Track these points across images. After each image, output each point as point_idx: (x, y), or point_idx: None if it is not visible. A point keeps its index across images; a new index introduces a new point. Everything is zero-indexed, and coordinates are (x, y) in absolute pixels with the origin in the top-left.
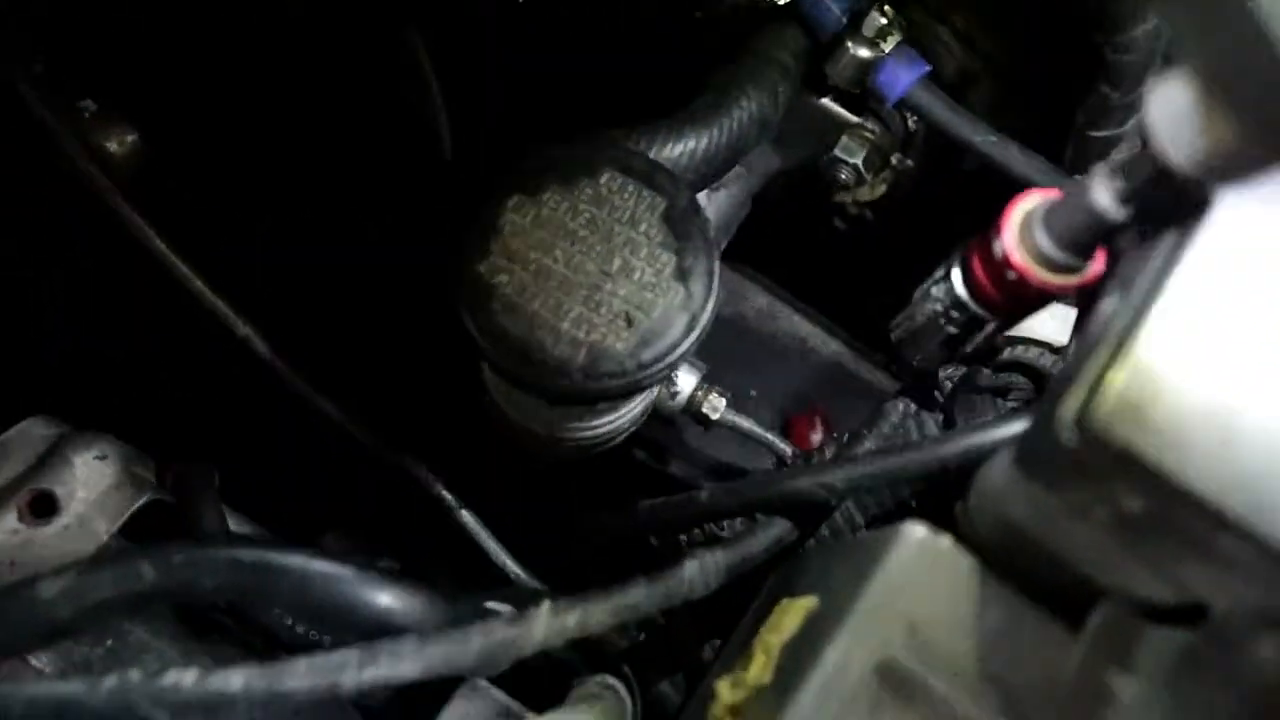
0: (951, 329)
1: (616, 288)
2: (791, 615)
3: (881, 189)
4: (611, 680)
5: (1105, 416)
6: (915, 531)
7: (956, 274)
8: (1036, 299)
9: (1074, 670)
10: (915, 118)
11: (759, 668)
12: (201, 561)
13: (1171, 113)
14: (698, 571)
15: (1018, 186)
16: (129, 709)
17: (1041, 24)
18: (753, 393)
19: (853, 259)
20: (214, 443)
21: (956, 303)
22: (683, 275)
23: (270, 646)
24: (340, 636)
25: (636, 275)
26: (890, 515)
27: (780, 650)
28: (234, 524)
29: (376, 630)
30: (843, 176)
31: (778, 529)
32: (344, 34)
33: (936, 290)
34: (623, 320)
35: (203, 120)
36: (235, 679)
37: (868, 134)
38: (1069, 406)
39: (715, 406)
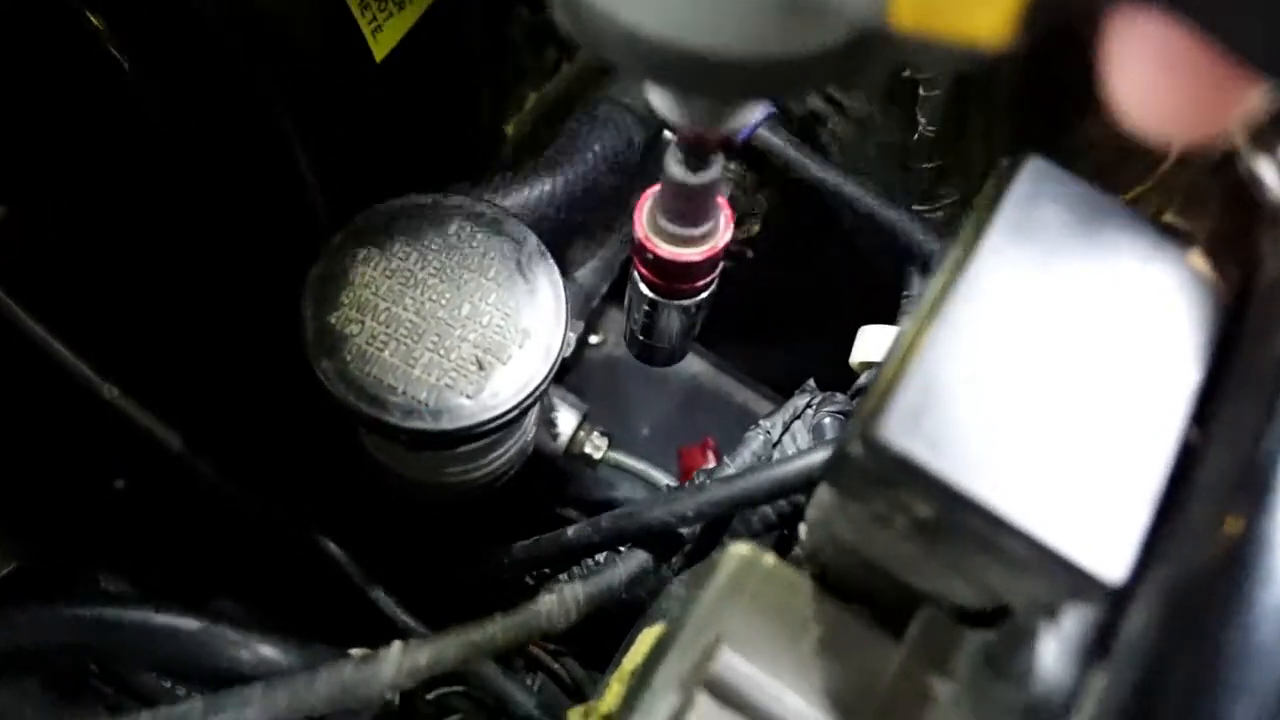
0: (644, 317)
1: (466, 333)
2: (644, 642)
3: (756, 227)
4: None
5: (885, 427)
6: (740, 551)
7: (634, 269)
8: (681, 271)
9: (894, 674)
10: None
11: (612, 696)
12: (44, 622)
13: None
14: (555, 604)
15: (864, 218)
16: None
17: None
18: (645, 430)
19: (737, 296)
20: (92, 509)
21: (638, 292)
22: (531, 319)
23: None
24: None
25: (485, 320)
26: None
27: (629, 677)
28: (114, 588)
29: (230, 681)
30: None
31: (637, 560)
32: (205, 98)
33: (629, 288)
34: (473, 364)
35: (75, 195)
36: None
37: (729, 174)
38: (858, 420)
39: (598, 446)
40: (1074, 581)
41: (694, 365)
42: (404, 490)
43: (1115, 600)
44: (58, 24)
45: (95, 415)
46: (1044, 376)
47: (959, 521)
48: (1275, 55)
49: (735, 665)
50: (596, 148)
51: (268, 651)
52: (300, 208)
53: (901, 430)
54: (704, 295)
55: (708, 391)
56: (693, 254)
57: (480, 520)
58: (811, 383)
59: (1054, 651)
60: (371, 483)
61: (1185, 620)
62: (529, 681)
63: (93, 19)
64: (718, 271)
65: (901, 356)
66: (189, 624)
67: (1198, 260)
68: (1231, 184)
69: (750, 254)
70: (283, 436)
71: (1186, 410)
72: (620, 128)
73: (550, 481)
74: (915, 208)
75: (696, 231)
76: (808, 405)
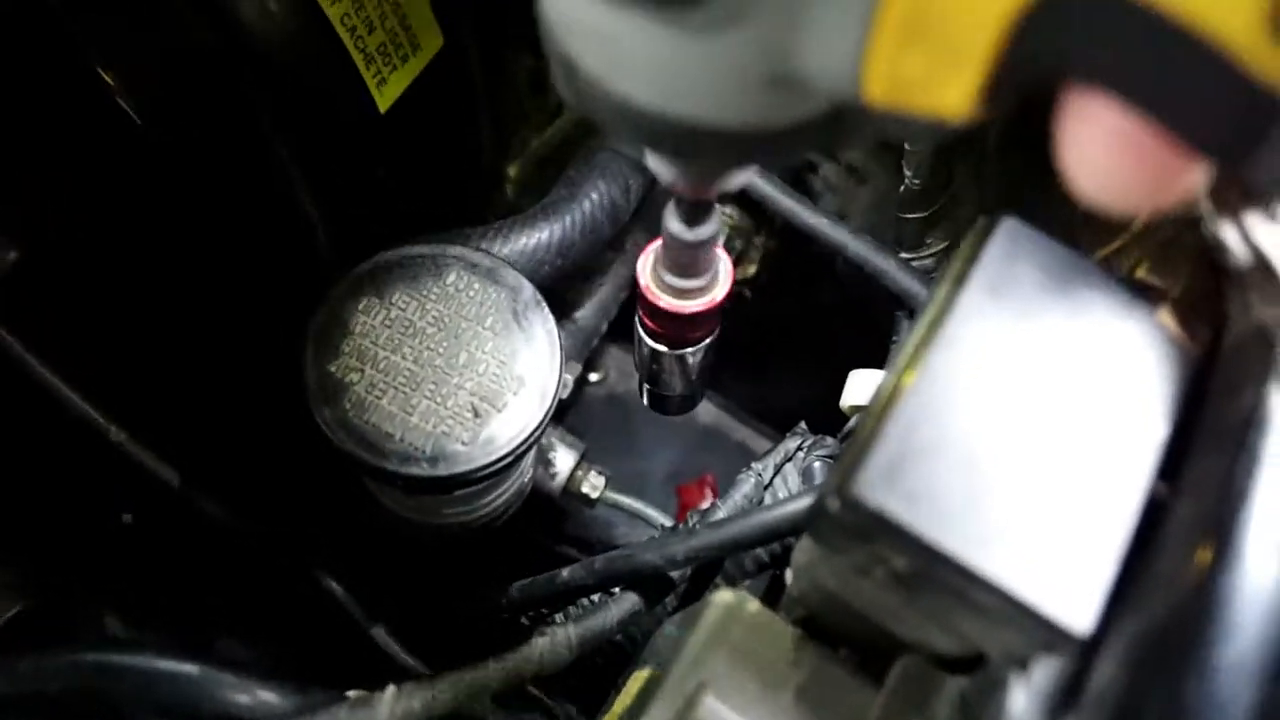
0: (649, 368)
1: (463, 381)
2: (635, 684)
3: (753, 268)
4: None
5: (861, 484)
6: (724, 598)
7: (638, 321)
8: (683, 322)
9: (876, 718)
10: None
11: None
12: (46, 668)
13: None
14: (548, 646)
15: (854, 264)
16: None
17: None
18: (644, 465)
19: (735, 334)
20: (97, 545)
21: (642, 343)
22: (526, 366)
23: None
24: None
25: (482, 368)
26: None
27: (620, 718)
28: (120, 630)
29: None
30: None
31: (628, 602)
32: (214, 150)
33: (636, 342)
34: (469, 411)
35: (84, 240)
36: None
37: (726, 217)
38: (835, 475)
39: (595, 485)
40: (1044, 632)
41: None
42: (404, 530)
43: (1084, 651)
44: (71, 78)
45: (101, 455)
46: (1016, 432)
47: (934, 574)
48: (1215, 135)
49: (718, 713)
50: (594, 195)
51: (265, 695)
52: (306, 254)
53: (877, 486)
54: (705, 343)
55: (706, 428)
56: (694, 306)
57: (479, 559)
58: (803, 425)
59: (1024, 702)
60: (372, 523)
61: (1150, 672)
62: None
63: (104, 74)
64: (718, 321)
65: (879, 412)
66: (189, 668)
67: (1167, 318)
68: (1202, 244)
69: (748, 294)
70: (285, 477)
71: (1154, 465)
72: (617, 175)
73: (548, 521)
74: (904, 255)
75: (697, 284)
76: (799, 448)
